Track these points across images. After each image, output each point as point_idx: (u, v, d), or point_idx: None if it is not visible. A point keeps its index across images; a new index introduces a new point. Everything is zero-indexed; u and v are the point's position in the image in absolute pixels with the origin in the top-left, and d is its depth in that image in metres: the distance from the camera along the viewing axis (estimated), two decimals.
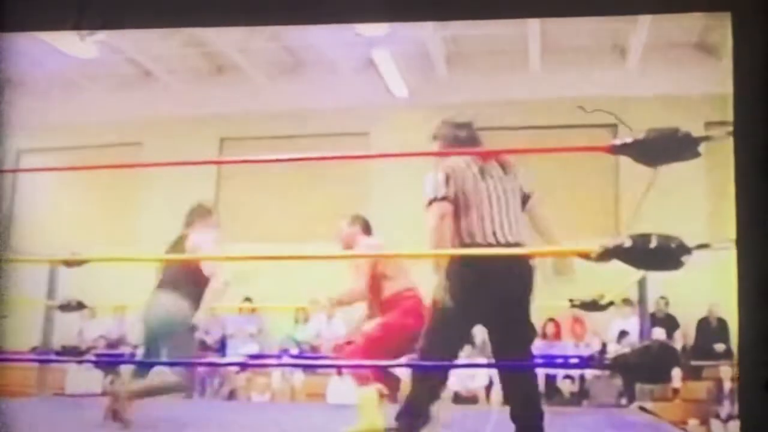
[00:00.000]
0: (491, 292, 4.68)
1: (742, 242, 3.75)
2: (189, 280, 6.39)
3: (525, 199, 4.95)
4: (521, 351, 4.83)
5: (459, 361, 5.50)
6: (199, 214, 6.79)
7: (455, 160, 4.88)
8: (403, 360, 5.85)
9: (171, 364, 5.68)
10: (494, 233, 4.76)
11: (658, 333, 10.43)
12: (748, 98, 3.83)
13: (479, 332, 11.36)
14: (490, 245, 4.72)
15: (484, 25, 11.63)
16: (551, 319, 11.35)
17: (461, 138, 5.08)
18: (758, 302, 3.71)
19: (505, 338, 4.80)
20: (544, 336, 11.30)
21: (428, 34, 11.74)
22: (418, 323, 5.24)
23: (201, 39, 12.42)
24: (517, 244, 4.76)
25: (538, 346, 10.80)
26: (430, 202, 4.84)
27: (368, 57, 11.92)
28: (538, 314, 11.27)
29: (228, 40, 11.98)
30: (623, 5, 4.81)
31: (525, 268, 4.78)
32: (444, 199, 4.81)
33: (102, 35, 11.63)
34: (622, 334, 10.90)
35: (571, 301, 7.52)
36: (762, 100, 3.81)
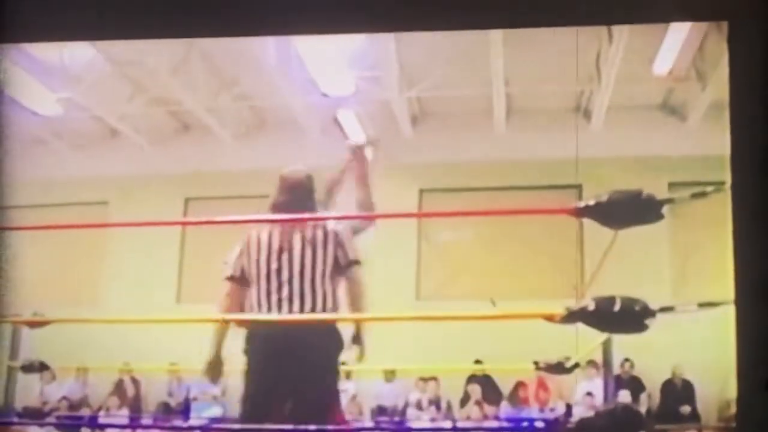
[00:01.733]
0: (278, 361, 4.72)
1: (738, 237, 3.75)
2: None
3: (348, 265, 4.90)
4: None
5: (421, 425, 5.48)
6: None
7: (255, 231, 4.91)
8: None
9: (132, 427, 5.58)
10: (278, 304, 4.76)
11: (624, 395, 10.40)
12: (743, 106, 3.85)
13: (444, 395, 11.36)
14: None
15: (449, 86, 11.70)
16: (521, 383, 11.28)
17: (305, 203, 5.08)
18: (757, 302, 3.70)
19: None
20: (515, 399, 11.24)
21: (393, 94, 11.79)
22: None
23: (167, 98, 12.41)
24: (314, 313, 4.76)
25: (505, 410, 10.76)
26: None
27: (334, 117, 11.95)
28: (506, 377, 11.30)
29: (195, 99, 11.97)
30: (625, 15, 4.81)
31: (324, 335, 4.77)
32: (229, 278, 4.86)
33: (67, 93, 11.63)
34: (587, 395, 10.87)
35: (536, 363, 7.49)
36: (758, 107, 3.82)
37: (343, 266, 4.88)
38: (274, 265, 4.78)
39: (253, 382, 4.84)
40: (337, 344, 4.82)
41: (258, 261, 4.79)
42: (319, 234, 4.89)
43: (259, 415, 4.85)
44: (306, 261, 4.79)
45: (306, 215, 5.01)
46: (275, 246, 4.80)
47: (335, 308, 4.80)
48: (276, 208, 5.04)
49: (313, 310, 4.74)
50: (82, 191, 13.61)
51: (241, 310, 4.85)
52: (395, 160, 13.18)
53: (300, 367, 4.71)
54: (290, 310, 4.73)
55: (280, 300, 4.75)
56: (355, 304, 4.93)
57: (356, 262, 4.90)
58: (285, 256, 4.80)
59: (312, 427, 4.93)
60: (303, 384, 4.74)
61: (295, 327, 4.73)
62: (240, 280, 4.83)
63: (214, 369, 4.98)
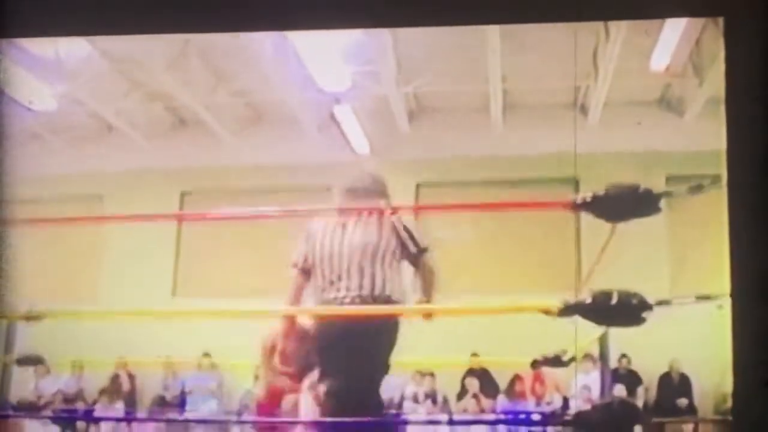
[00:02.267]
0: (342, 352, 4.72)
1: (734, 231, 3.75)
2: None
3: (419, 252, 4.87)
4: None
5: (419, 418, 5.47)
6: None
7: (316, 222, 4.94)
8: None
9: (127, 420, 5.56)
10: (345, 290, 4.77)
11: (619, 389, 10.40)
12: (739, 101, 3.84)
13: (440, 389, 11.36)
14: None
15: (446, 82, 11.69)
16: (518, 376, 11.27)
17: (375, 192, 5.09)
18: (754, 295, 3.70)
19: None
20: (512, 393, 11.23)
21: (390, 90, 11.78)
22: None
23: (163, 93, 12.39)
24: (373, 299, 4.76)
25: (502, 403, 10.76)
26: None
27: (330, 113, 11.94)
28: (502, 370, 11.29)
29: (191, 94, 11.96)
30: (622, 10, 4.80)
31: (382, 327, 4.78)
32: (294, 266, 4.89)
33: (63, 88, 11.61)
34: (584, 389, 10.87)
35: (534, 361, 7.49)
36: (754, 103, 3.82)
37: (414, 253, 4.89)
38: (335, 253, 4.80)
39: (331, 376, 4.83)
40: (393, 338, 4.82)
41: (320, 249, 4.81)
42: (383, 223, 4.90)
43: (346, 409, 4.85)
44: (368, 249, 4.81)
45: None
46: (337, 234, 4.83)
47: (395, 296, 4.80)
48: (349, 194, 5.06)
49: (373, 298, 4.75)
50: (78, 186, 13.58)
51: (301, 297, 4.87)
52: (392, 156, 13.18)
53: (355, 359, 4.72)
54: (352, 299, 4.74)
55: (339, 282, 4.76)
56: (428, 289, 4.97)
57: (426, 249, 4.92)
58: (346, 244, 4.83)
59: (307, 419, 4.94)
60: (353, 377, 4.75)
61: (356, 320, 4.74)
62: (303, 268, 4.85)
63: None
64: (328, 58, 10.59)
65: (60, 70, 11.33)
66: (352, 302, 4.77)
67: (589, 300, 4.13)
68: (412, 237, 4.92)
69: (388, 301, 4.78)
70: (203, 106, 12.45)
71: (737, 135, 3.83)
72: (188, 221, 13.71)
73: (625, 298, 4.08)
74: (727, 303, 3.77)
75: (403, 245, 4.89)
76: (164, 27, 4.67)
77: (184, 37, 10.88)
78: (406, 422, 4.78)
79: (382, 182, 5.15)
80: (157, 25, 4.54)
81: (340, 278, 4.79)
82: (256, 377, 11.98)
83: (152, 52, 11.13)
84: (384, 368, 4.94)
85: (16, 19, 4.51)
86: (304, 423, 6.00)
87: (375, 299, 4.74)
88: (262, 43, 10.85)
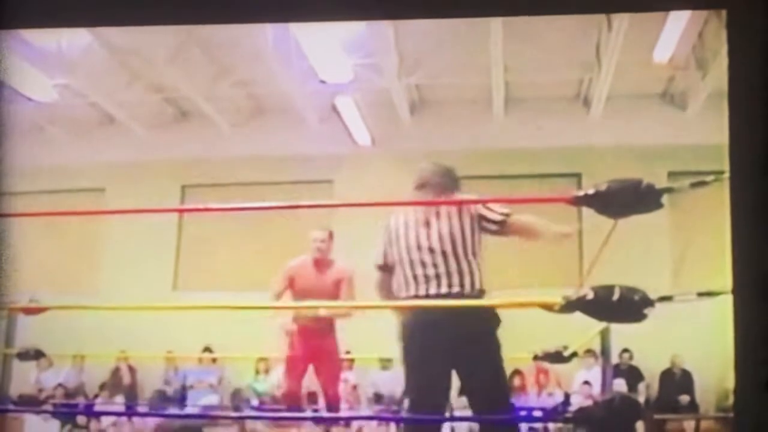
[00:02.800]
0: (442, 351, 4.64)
1: (737, 227, 3.71)
2: None
3: (499, 225, 4.87)
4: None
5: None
6: None
7: (395, 217, 4.89)
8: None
9: (128, 415, 5.54)
10: (425, 284, 4.73)
11: (619, 384, 10.38)
12: (743, 95, 3.80)
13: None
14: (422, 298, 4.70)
15: (448, 73, 11.65)
16: (517, 371, 11.25)
17: (448, 185, 5.04)
18: (756, 291, 3.66)
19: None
20: (513, 388, 11.21)
21: (392, 82, 11.74)
22: None
23: (165, 85, 12.37)
24: (461, 294, 4.71)
25: None
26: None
27: (332, 104, 11.91)
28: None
29: (192, 86, 11.93)
30: (625, 3, 4.76)
31: (483, 318, 4.72)
32: (379, 267, 4.85)
33: (64, 79, 11.59)
34: (585, 384, 10.87)
35: (535, 355, 7.47)
36: (758, 96, 3.78)
37: (498, 222, 4.82)
38: (417, 247, 4.76)
39: (417, 373, 4.78)
40: (495, 322, 4.77)
41: (402, 244, 4.77)
42: (460, 212, 4.85)
43: (429, 407, 4.79)
44: (447, 241, 4.77)
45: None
46: (418, 228, 4.79)
47: (477, 288, 4.74)
48: (421, 186, 5.02)
49: (460, 289, 4.70)
50: (79, 178, 13.58)
51: (390, 295, 4.83)
52: (393, 148, 13.15)
53: (467, 354, 4.67)
54: (438, 290, 4.70)
55: (427, 279, 4.72)
56: (533, 233, 4.93)
57: (509, 214, 4.85)
58: (426, 238, 4.78)
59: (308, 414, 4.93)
60: (476, 373, 4.71)
61: (448, 312, 4.69)
62: (386, 267, 4.81)
63: None
64: (329, 49, 10.56)
65: (61, 62, 11.31)
66: (444, 299, 4.72)
67: (590, 295, 4.08)
68: (491, 213, 4.84)
69: (480, 295, 4.73)
70: (204, 97, 12.42)
71: (740, 129, 3.78)
72: (189, 214, 13.69)
73: (627, 293, 4.03)
74: (729, 299, 3.73)
75: (483, 228, 4.83)
76: (166, 18, 4.62)
77: (186, 29, 10.86)
78: (406, 418, 4.74)
79: (454, 174, 5.08)
80: (158, 17, 4.49)
81: (428, 276, 4.73)
82: (257, 372, 12.01)
83: (153, 44, 11.11)
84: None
85: (18, 10, 4.47)
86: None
87: (466, 296, 4.70)
88: (263, 34, 10.81)
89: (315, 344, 7.02)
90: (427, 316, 4.70)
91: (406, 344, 4.79)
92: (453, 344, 4.63)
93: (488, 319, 4.73)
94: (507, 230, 4.87)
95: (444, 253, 4.76)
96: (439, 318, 4.68)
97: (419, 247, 4.78)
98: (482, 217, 4.85)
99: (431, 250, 4.77)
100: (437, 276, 4.73)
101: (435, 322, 4.67)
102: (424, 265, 4.75)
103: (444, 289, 4.71)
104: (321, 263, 6.77)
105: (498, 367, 4.81)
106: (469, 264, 4.76)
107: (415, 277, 4.75)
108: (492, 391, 4.76)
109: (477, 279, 4.75)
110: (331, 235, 6.91)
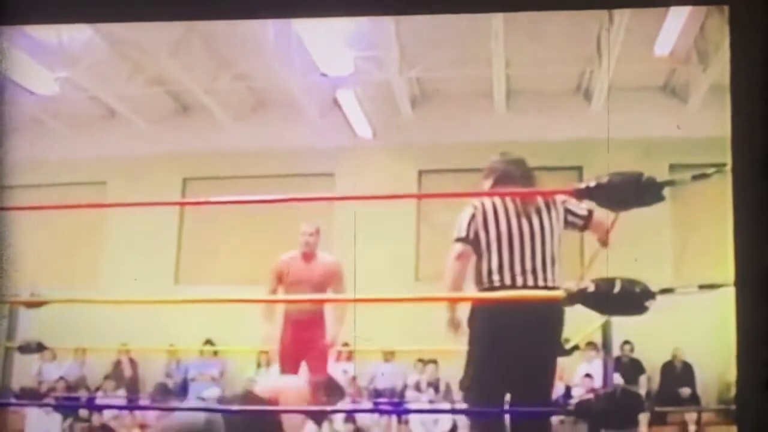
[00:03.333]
0: (510, 341, 4.64)
1: (738, 219, 3.71)
2: None
3: (585, 220, 4.89)
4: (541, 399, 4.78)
5: (419, 407, 5.45)
6: None
7: (486, 199, 4.81)
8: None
9: (129, 408, 5.53)
10: (521, 276, 4.69)
11: (618, 378, 10.37)
12: (744, 88, 3.80)
13: (443, 377, 11.34)
14: (512, 288, 4.66)
15: (449, 67, 11.65)
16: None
17: (514, 175, 4.99)
18: (757, 284, 3.67)
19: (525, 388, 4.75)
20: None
21: (393, 74, 11.73)
22: None
23: (166, 78, 12.36)
24: (546, 288, 4.69)
25: None
26: (454, 241, 4.75)
27: (333, 98, 11.90)
28: None
29: (193, 79, 11.92)
30: None
31: (550, 312, 4.69)
32: (461, 240, 4.75)
33: (65, 73, 11.59)
34: (586, 377, 10.88)
35: None
36: (759, 90, 3.79)
37: (585, 217, 4.81)
38: (519, 237, 4.71)
39: (482, 364, 4.76)
40: (561, 323, 4.75)
41: (496, 229, 4.71)
42: (549, 206, 4.83)
43: (488, 401, 4.76)
44: (539, 235, 4.74)
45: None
46: (513, 217, 4.74)
47: (556, 284, 4.72)
48: (509, 179, 4.97)
49: (549, 284, 4.68)
50: (80, 171, 13.59)
51: (477, 274, 4.77)
52: (394, 141, 13.15)
53: (530, 349, 4.65)
54: (535, 284, 4.67)
55: (524, 272, 4.68)
56: (604, 229, 4.91)
57: (592, 210, 4.83)
58: (528, 229, 4.75)
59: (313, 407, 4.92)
60: (531, 368, 4.70)
61: (525, 305, 4.66)
62: (473, 242, 4.72)
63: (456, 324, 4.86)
64: (330, 43, 10.56)
65: (62, 55, 11.30)
66: (530, 289, 4.68)
67: (591, 288, 4.08)
68: (578, 209, 4.83)
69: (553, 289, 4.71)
70: (205, 91, 12.41)
71: (742, 122, 3.79)
72: (191, 208, 13.69)
73: (628, 286, 4.04)
74: (731, 292, 3.73)
75: (568, 223, 4.82)
76: (167, 14, 4.63)
77: (187, 23, 10.87)
78: (408, 411, 4.73)
79: (526, 165, 5.06)
80: (160, 12, 4.50)
81: (525, 269, 4.68)
82: (259, 364, 12.03)
83: (154, 38, 11.10)
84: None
85: (19, 5, 4.48)
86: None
87: (549, 289, 4.68)
88: (264, 28, 10.81)
89: (306, 336, 7.06)
90: (510, 308, 4.67)
91: (482, 332, 4.75)
92: (523, 339, 4.63)
93: (560, 320, 4.72)
94: (589, 225, 4.88)
95: (542, 246, 4.73)
96: (520, 312, 4.65)
97: (521, 237, 4.73)
98: (569, 212, 4.84)
99: (531, 242, 4.73)
100: (533, 270, 4.70)
101: (514, 315, 4.63)
102: (523, 256, 4.71)
103: (540, 283, 4.68)
104: (308, 256, 6.86)
105: (552, 368, 4.83)
106: (553, 259, 4.73)
107: (512, 267, 4.69)
108: (539, 389, 4.76)
109: (557, 274, 4.74)
110: (318, 230, 6.99)
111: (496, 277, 4.70)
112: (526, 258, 4.70)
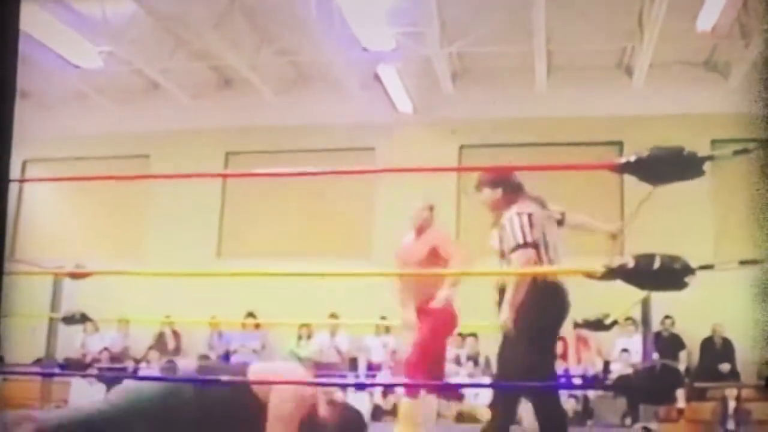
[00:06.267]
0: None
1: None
2: None
3: (561, 221, 5.28)
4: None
5: (459, 381, 5.49)
6: None
7: (532, 206, 5.07)
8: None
9: (171, 380, 5.57)
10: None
11: (656, 354, 10.38)
12: None
13: (482, 351, 11.36)
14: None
15: (490, 42, 11.62)
16: (560, 338, 11.24)
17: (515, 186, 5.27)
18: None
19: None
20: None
21: (434, 50, 11.73)
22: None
23: (209, 53, 12.42)
24: None
25: None
26: (516, 248, 4.96)
27: (374, 73, 11.91)
28: None
29: (236, 54, 11.97)
30: None
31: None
32: (528, 245, 4.95)
33: (109, 47, 11.67)
34: (624, 351, 10.88)
35: (575, 322, 7.49)
36: None
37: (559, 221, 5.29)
38: (551, 242, 5.08)
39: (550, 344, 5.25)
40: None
41: (542, 237, 5.00)
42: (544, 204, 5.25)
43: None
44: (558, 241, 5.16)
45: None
46: (551, 226, 5.11)
47: None
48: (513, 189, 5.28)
49: None
50: (124, 145, 13.72)
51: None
52: (435, 116, 13.16)
53: None
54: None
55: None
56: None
57: (564, 212, 5.33)
58: (557, 235, 5.18)
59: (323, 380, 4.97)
60: None
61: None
62: (536, 245, 5.00)
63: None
64: (372, 18, 10.55)
65: (106, 29, 11.38)
66: None
67: (631, 264, 4.09)
68: (556, 214, 5.18)
69: None
70: (248, 65, 12.46)
71: None
72: (233, 181, 13.77)
73: (668, 262, 4.02)
74: None
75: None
76: None
77: None
78: (447, 385, 4.77)
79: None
80: None
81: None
82: (299, 337, 12.12)
83: (198, 11, 11.15)
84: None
85: None
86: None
87: None
88: (306, 3, 10.84)
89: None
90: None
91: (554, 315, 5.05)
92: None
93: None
94: (563, 226, 5.29)
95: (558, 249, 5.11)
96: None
97: (549, 241, 5.06)
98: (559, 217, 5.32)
99: (557, 245, 5.12)
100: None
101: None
102: (555, 252, 5.07)
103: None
104: (419, 231, 6.71)
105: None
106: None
107: (550, 262, 5.01)
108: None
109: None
110: (432, 206, 6.86)
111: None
112: (558, 253, 5.12)
